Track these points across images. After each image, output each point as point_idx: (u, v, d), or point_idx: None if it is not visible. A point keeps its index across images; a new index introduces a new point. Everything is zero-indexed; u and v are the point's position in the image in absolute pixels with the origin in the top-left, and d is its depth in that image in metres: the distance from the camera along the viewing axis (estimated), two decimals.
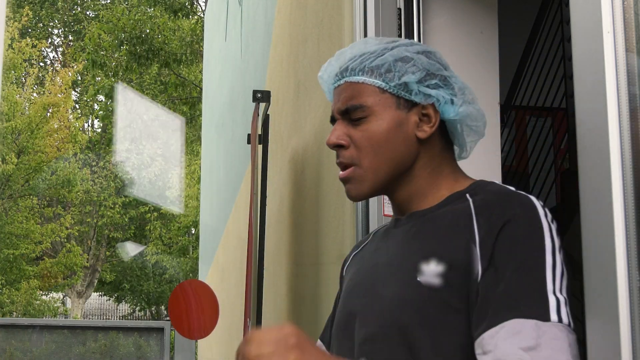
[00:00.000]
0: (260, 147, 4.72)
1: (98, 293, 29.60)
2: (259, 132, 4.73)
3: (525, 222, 1.66)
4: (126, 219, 24.61)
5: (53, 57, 29.33)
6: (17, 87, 21.81)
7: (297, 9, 5.09)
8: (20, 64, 22.04)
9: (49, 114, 21.52)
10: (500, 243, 1.65)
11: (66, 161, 21.90)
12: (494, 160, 3.13)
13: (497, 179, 3.08)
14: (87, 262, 24.52)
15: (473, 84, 3.12)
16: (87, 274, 25.20)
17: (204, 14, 16.34)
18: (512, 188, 1.79)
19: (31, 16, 25.21)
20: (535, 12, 6.50)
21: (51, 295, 24.81)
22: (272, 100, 4.92)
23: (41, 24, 27.82)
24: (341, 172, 1.88)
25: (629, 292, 1.62)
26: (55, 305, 24.01)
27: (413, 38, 3.03)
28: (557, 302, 1.57)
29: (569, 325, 1.56)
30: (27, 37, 23.81)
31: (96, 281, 26.10)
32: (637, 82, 1.63)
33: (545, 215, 1.69)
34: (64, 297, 26.92)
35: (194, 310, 5.53)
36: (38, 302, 22.63)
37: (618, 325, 1.62)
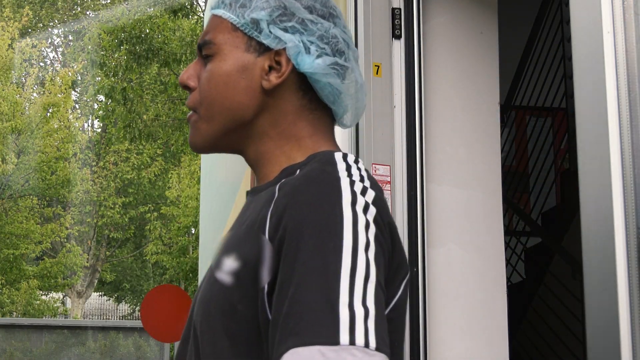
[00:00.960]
0: None
1: (98, 293, 29.58)
2: None
3: (316, 218, 1.36)
4: (126, 219, 24.58)
5: (53, 57, 29.31)
6: (17, 87, 21.80)
7: None
8: (20, 64, 22.03)
9: (49, 114, 21.50)
10: (286, 245, 1.36)
11: (66, 161, 21.88)
12: (494, 161, 3.13)
13: (497, 179, 3.08)
14: (87, 262, 24.51)
15: (473, 84, 3.13)
16: (87, 274, 25.17)
17: (203, 14, 16.34)
18: (339, 166, 1.49)
19: (31, 16, 25.19)
20: (535, 12, 6.49)
21: (51, 295, 24.78)
22: None
23: (41, 24, 27.81)
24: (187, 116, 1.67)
25: (628, 291, 1.61)
26: (55, 305, 23.98)
27: (413, 39, 3.02)
28: (351, 317, 1.26)
29: (367, 345, 1.25)
30: (27, 37, 23.80)
31: (96, 281, 26.08)
32: (637, 82, 1.63)
33: (353, 204, 1.39)
34: (64, 297, 26.90)
35: (167, 314, 5.55)
36: (38, 302, 22.61)
37: (618, 325, 1.62)
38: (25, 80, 22.87)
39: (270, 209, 1.43)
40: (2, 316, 20.62)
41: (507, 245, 6.52)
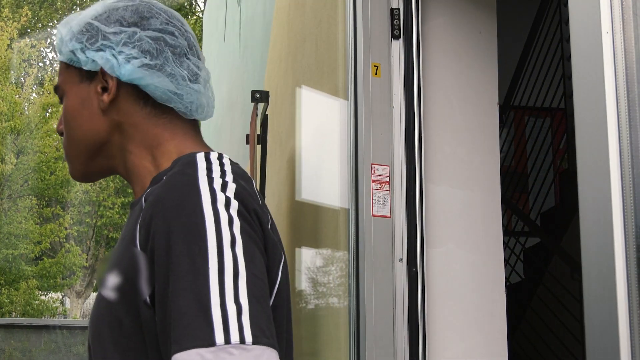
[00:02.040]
0: (259, 147, 4.71)
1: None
2: (258, 132, 4.73)
3: (179, 223, 1.38)
4: (125, 219, 24.59)
5: (52, 57, 29.30)
6: (16, 88, 21.79)
7: (296, 9, 5.09)
8: (20, 64, 22.03)
9: (48, 114, 21.50)
10: (156, 255, 1.38)
11: (65, 161, 21.88)
12: (492, 161, 3.13)
13: (496, 179, 3.09)
14: (86, 262, 24.51)
15: (472, 83, 3.13)
16: (86, 274, 25.18)
17: (202, 14, 16.32)
18: (200, 165, 1.51)
19: (30, 16, 25.19)
20: (534, 13, 6.50)
21: (50, 295, 24.78)
22: (270, 100, 4.92)
23: (40, 24, 27.80)
24: None
25: (627, 291, 1.61)
26: (54, 305, 23.99)
27: (412, 39, 3.02)
28: (224, 317, 1.29)
29: (242, 341, 1.28)
30: (26, 37, 23.78)
31: (95, 281, 26.07)
32: (635, 82, 1.63)
33: (214, 202, 1.40)
34: (63, 297, 26.90)
35: None
36: (37, 302, 22.62)
37: (617, 325, 1.62)
38: (24, 81, 22.87)
39: (139, 220, 1.45)
40: (1, 316, 20.62)
41: (505, 245, 6.53)
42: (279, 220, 5.26)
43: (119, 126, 1.65)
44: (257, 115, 4.72)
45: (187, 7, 19.33)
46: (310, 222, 4.22)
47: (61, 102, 1.71)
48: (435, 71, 3.09)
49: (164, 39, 1.64)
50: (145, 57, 1.63)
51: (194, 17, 19.99)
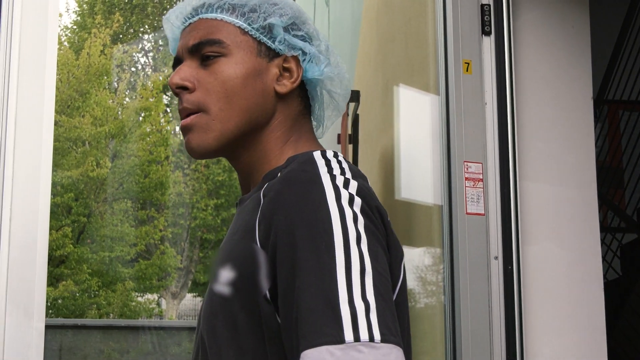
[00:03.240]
0: (350, 146, 4.72)
1: (192, 294, 29.92)
2: (349, 131, 4.74)
3: (303, 219, 1.37)
4: (218, 221, 24.81)
5: (144, 62, 29.74)
6: (110, 93, 22.17)
7: (384, 8, 5.09)
8: (112, 69, 22.40)
9: (141, 118, 21.83)
10: (280, 251, 1.37)
11: (159, 164, 22.18)
12: (587, 156, 3.09)
13: (591, 174, 3.04)
14: (181, 263, 24.80)
15: (565, 78, 3.10)
16: (181, 275, 25.47)
17: None
18: (319, 163, 1.50)
19: (122, 22, 25.59)
20: (627, 4, 6.39)
21: (146, 296, 25.15)
22: (361, 99, 4.92)
23: (132, 30, 28.23)
24: (183, 120, 1.62)
25: None
26: (151, 306, 24.33)
27: (503, 34, 3.00)
28: (353, 314, 1.27)
29: (371, 339, 1.27)
30: (119, 43, 24.19)
31: (190, 282, 26.37)
32: None
33: (338, 199, 1.39)
34: (159, 298, 27.27)
35: None
36: (134, 303, 22.96)
37: None
38: (117, 86, 23.25)
39: (258, 216, 1.44)
40: (99, 318, 20.98)
41: (602, 241, 6.43)
42: None
43: (276, 114, 1.63)
44: (347, 114, 4.73)
45: None
46: (403, 220, 4.21)
47: (200, 57, 1.61)
48: (527, 67, 3.07)
49: (332, 53, 1.71)
50: (339, 69, 1.70)
51: None
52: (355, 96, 4.75)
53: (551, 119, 3.06)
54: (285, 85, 1.62)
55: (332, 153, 1.57)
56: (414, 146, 3.85)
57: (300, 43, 1.63)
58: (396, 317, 1.33)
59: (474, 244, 2.87)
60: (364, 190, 1.44)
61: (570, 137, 3.07)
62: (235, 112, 1.58)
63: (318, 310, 1.28)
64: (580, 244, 3.02)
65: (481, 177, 2.91)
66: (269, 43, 1.61)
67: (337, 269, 1.30)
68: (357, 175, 1.51)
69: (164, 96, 25.72)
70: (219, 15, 1.61)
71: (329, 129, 1.78)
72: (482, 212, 2.89)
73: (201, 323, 1.56)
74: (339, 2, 7.71)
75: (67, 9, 24.56)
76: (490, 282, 2.86)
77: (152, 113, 22.18)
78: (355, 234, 1.35)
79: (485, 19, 3.02)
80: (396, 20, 4.62)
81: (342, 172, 1.47)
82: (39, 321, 2.29)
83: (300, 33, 1.64)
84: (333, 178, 1.43)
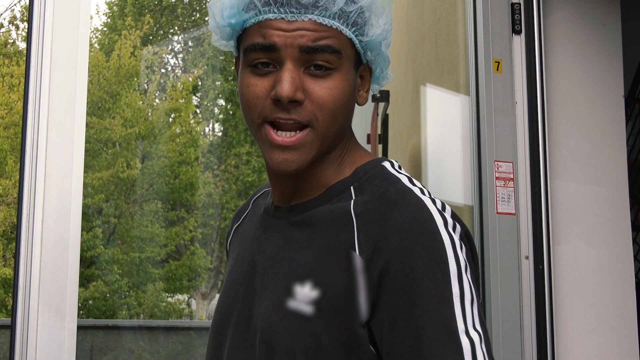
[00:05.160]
0: (380, 146, 4.72)
1: None
2: (379, 131, 4.74)
3: (419, 245, 1.34)
4: None
5: (174, 63, 29.84)
6: (140, 94, 22.26)
7: (414, 8, 5.08)
8: (142, 71, 22.49)
9: (171, 119, 21.91)
10: (393, 277, 1.34)
11: (189, 165, 22.25)
12: (619, 155, 3.07)
13: (623, 173, 3.03)
14: (210, 264, 24.86)
15: (596, 77, 3.08)
16: (211, 275, 25.53)
17: None
18: (404, 180, 1.46)
19: (152, 24, 25.69)
20: None
21: (177, 297, 25.23)
22: (391, 99, 4.92)
23: (162, 31, 28.33)
24: (291, 135, 1.45)
25: None
26: (181, 307, 24.40)
27: (534, 33, 2.99)
28: (472, 344, 1.31)
29: None
30: (149, 44, 24.28)
31: (220, 283, 26.43)
32: None
33: (446, 225, 1.38)
34: (189, 298, 27.35)
35: None
36: (164, 304, 23.04)
37: None
38: (147, 87, 23.34)
39: (356, 236, 1.39)
40: (130, 318, 21.07)
41: (633, 240, 6.39)
42: None
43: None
44: (377, 114, 4.73)
45: None
46: None
47: (316, 68, 1.45)
48: (558, 65, 3.05)
49: None
50: (388, 68, 1.62)
51: None
52: (385, 96, 4.75)
53: (582, 118, 3.05)
54: (363, 97, 1.55)
55: (397, 164, 1.55)
56: (443, 146, 3.85)
57: (380, 53, 1.55)
58: (490, 341, 1.38)
59: (505, 243, 2.86)
60: (456, 215, 1.44)
61: (601, 136, 3.05)
62: (335, 131, 1.48)
63: (441, 340, 1.29)
64: (612, 244, 3.00)
65: (512, 177, 2.90)
66: (369, 56, 1.53)
67: (454, 299, 1.32)
68: (428, 191, 1.48)
69: (194, 97, 25.83)
70: (335, 23, 1.45)
71: None
72: (513, 211, 2.88)
73: (258, 334, 1.47)
74: None
75: (97, 11, 24.67)
76: (521, 282, 2.85)
77: (182, 114, 22.26)
78: (464, 263, 1.36)
79: (516, 17, 3.01)
80: (426, 20, 4.61)
81: (429, 193, 1.45)
82: (71, 321, 2.31)
83: (388, 41, 1.56)
84: (432, 201, 1.41)
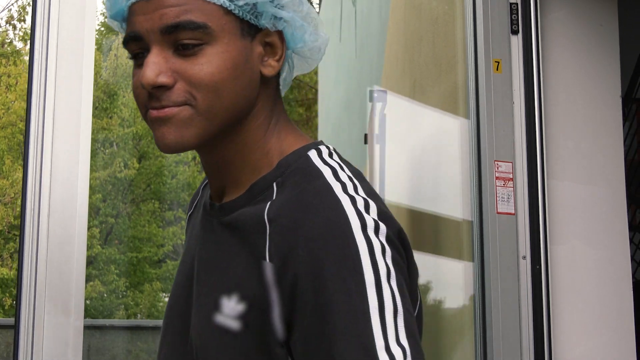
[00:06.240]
0: (377, 147, 4.73)
1: None
2: (376, 131, 4.74)
3: (330, 255, 1.22)
4: None
5: None
6: None
7: (412, 8, 5.09)
8: None
9: None
10: (301, 292, 1.23)
11: (185, 165, 22.23)
12: (616, 155, 3.08)
13: (620, 173, 3.04)
14: None
15: (593, 77, 3.09)
16: None
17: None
18: (327, 174, 1.34)
19: None
20: None
21: None
22: (388, 99, 4.93)
23: None
24: (158, 110, 1.34)
25: None
26: None
27: (531, 33, 3.00)
28: None
29: None
30: None
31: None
32: None
33: (364, 229, 1.24)
34: None
35: None
36: (161, 304, 23.01)
37: None
38: None
39: (267, 246, 1.29)
40: (127, 318, 21.05)
41: (630, 240, 6.40)
42: (400, 220, 5.27)
43: (259, 100, 1.42)
44: (375, 114, 4.74)
45: None
46: (432, 221, 4.21)
47: (183, 46, 1.33)
48: (555, 66, 3.06)
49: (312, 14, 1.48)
50: (316, 35, 1.47)
51: None
52: (382, 96, 4.75)
53: (579, 118, 3.05)
54: (272, 67, 1.42)
55: (327, 151, 1.42)
56: (441, 146, 3.85)
57: (285, 14, 1.40)
58: (423, 352, 1.23)
59: (505, 243, 2.87)
60: (384, 213, 1.32)
61: (599, 136, 3.06)
62: (223, 107, 1.35)
63: (355, 359, 1.17)
64: (609, 243, 3.01)
65: (511, 177, 2.91)
66: (253, 20, 1.38)
67: (371, 311, 1.19)
68: (361, 179, 1.37)
69: None
70: None
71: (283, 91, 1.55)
72: (513, 211, 2.89)
73: (194, 349, 1.39)
74: (366, 1, 7.72)
75: (95, 11, 24.64)
76: (519, 282, 2.86)
77: None
78: (385, 269, 1.22)
79: (513, 17, 3.02)
80: (423, 20, 4.62)
81: (355, 187, 1.32)
82: (77, 319, 2.31)
83: (284, 1, 1.40)
84: (353, 201, 1.28)
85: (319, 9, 14.32)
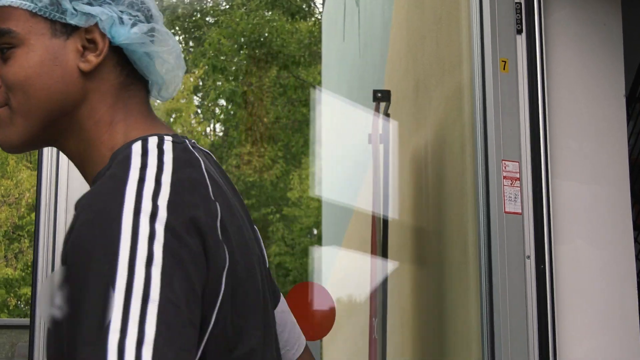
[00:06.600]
0: (381, 146, 4.72)
1: None
2: (380, 131, 4.74)
3: (92, 236, 1.23)
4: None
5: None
6: None
7: (415, 7, 5.09)
8: None
9: (172, 119, 21.91)
10: (70, 272, 1.24)
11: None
12: (620, 154, 3.07)
13: (624, 173, 3.03)
14: None
15: (597, 76, 3.09)
16: None
17: (321, 16, 16.43)
18: (133, 162, 1.34)
19: None
20: None
21: None
22: (391, 99, 4.93)
23: None
24: None
25: None
26: None
27: (534, 33, 2.99)
28: (121, 344, 1.13)
29: None
30: None
31: None
32: None
33: (137, 213, 1.24)
34: None
35: (308, 312, 5.58)
36: None
37: None
38: None
39: (68, 232, 1.31)
40: None
41: (635, 240, 6.39)
42: (403, 219, 5.26)
43: (88, 95, 1.46)
44: (379, 114, 4.74)
45: (306, 9, 19.49)
46: (436, 220, 4.21)
47: (2, 51, 1.44)
48: (559, 65, 3.06)
49: (155, 8, 1.53)
50: (155, 23, 1.50)
51: (313, 19, 20.13)
52: (385, 95, 4.75)
53: (583, 117, 3.05)
54: (90, 61, 1.45)
55: (157, 141, 1.42)
56: (445, 147, 3.85)
57: (94, 9, 1.43)
58: (190, 348, 1.20)
59: (511, 243, 2.86)
60: (176, 201, 1.29)
61: (603, 135, 3.06)
62: (34, 105, 1.42)
63: (89, 340, 1.15)
64: (613, 243, 3.01)
65: (518, 176, 2.90)
66: (62, 19, 1.43)
67: (116, 295, 1.16)
68: (184, 166, 1.37)
69: (195, 97, 25.86)
70: (6, 1, 1.42)
71: (177, 90, 1.61)
72: (519, 211, 2.88)
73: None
74: (369, 2, 7.72)
75: None
76: (526, 282, 2.85)
77: (183, 114, 22.30)
78: (146, 255, 1.20)
79: (517, 17, 3.01)
80: (426, 20, 4.62)
81: (158, 174, 1.32)
82: None
83: None
84: (141, 185, 1.28)
85: (323, 9, 14.33)
